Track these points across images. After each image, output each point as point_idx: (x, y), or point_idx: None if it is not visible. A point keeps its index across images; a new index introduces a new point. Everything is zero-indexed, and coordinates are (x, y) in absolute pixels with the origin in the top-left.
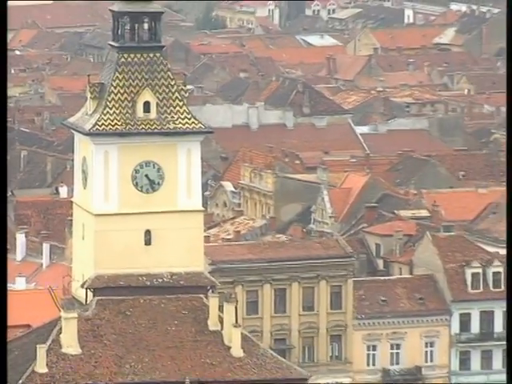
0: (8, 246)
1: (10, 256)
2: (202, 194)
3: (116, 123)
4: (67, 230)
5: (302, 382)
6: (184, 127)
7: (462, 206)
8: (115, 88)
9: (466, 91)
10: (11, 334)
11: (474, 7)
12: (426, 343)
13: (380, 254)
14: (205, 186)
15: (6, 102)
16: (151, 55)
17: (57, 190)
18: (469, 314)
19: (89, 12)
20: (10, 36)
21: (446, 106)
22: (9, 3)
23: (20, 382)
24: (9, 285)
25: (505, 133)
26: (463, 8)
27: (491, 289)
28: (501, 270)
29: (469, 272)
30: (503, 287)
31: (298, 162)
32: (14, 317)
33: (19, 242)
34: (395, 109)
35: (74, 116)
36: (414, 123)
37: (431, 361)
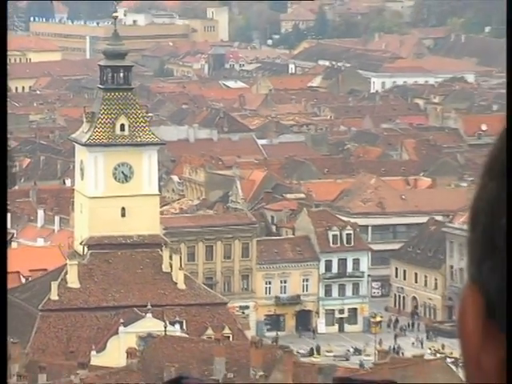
0: (31, 218)
1: (33, 224)
2: (158, 184)
3: (102, 138)
4: (71, 207)
5: (223, 305)
6: (147, 141)
7: (326, 191)
8: (101, 115)
9: (328, 117)
10: (34, 275)
11: (334, 63)
12: (303, 279)
13: (274, 222)
14: (160, 179)
15: (6, 103)
16: (125, 93)
17: (64, 181)
18: (330, 261)
19: (85, 66)
20: (32, 81)
21: (316, 127)
22: (33, 60)
23: (40, 305)
24: (31, 243)
25: (355, 144)
26: (327, 63)
27: (345, 245)
28: (351, 232)
29: (330, 234)
30: (353, 243)
31: (220, 162)
32: (35, 264)
33: (39, 215)
34: (283, 128)
35: (75, 133)
36: (296, 137)
37: (306, 291)
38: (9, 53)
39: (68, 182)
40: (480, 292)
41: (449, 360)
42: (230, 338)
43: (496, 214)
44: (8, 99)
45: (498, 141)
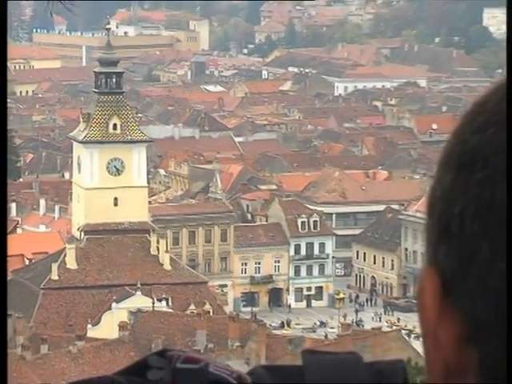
0: (34, 207)
1: (35, 212)
2: (147, 177)
3: (97, 136)
4: (69, 197)
5: (204, 284)
6: (136, 138)
7: (296, 182)
8: (96, 116)
9: (297, 117)
10: (36, 258)
11: (302, 69)
12: (275, 261)
13: (249, 211)
14: (148, 172)
15: (6, 101)
16: (117, 96)
17: (63, 174)
18: (299, 244)
19: (81, 72)
20: (35, 86)
21: (287, 126)
22: (35, 67)
23: (42, 284)
24: (34, 229)
25: (321, 141)
26: (295, 70)
27: (312, 230)
28: (317, 219)
29: (299, 220)
30: (319, 229)
31: (202, 158)
32: (38, 247)
33: (41, 204)
34: (257, 127)
35: (73, 132)
36: (269, 135)
37: (278, 271)
38: (14, 61)
39: (67, 175)
40: (436, 273)
41: (403, 332)
42: (211, 313)
43: (450, 203)
44: (13, 102)
45: (452, 138)
